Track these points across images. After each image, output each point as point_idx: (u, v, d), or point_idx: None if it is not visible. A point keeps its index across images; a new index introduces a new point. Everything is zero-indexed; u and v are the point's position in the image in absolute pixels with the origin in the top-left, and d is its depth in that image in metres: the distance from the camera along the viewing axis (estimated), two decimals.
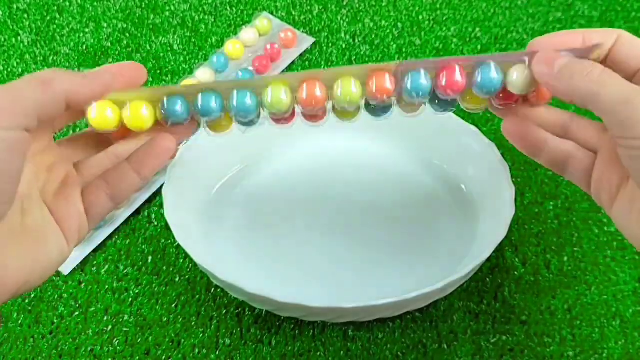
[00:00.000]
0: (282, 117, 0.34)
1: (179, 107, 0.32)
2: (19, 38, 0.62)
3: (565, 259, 0.46)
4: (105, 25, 0.63)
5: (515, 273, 0.46)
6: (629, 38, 0.31)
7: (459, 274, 0.38)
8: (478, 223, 0.45)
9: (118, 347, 0.42)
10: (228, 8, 0.65)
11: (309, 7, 0.64)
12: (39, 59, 0.60)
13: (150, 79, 0.58)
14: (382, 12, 0.64)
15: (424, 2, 0.65)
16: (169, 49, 0.61)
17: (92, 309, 0.44)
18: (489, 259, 0.45)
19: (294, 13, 0.64)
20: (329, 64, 0.60)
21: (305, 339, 0.43)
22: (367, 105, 0.34)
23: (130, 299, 0.45)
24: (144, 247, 0.47)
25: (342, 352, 0.42)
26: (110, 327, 0.43)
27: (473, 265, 0.38)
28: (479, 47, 0.61)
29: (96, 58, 0.60)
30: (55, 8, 0.64)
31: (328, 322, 0.43)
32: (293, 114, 0.35)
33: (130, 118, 0.32)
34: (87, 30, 0.62)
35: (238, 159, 0.50)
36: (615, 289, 0.45)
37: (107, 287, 0.45)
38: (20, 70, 0.59)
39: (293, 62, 0.60)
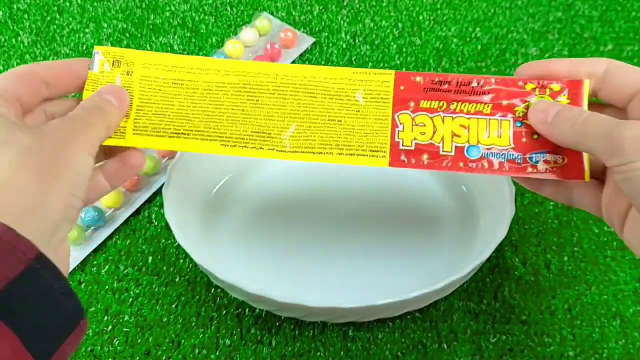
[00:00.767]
0: None
1: None
2: (19, 38, 0.62)
3: (565, 258, 0.46)
4: (105, 25, 0.63)
5: (515, 273, 0.46)
6: (619, 66, 0.33)
7: (459, 274, 0.38)
8: (478, 223, 0.45)
9: (118, 347, 0.42)
10: (228, 8, 0.65)
11: (309, 7, 0.64)
12: (39, 59, 0.60)
13: None
14: (382, 12, 0.64)
15: (424, 2, 0.65)
16: (169, 49, 0.61)
17: (92, 309, 0.44)
18: (489, 259, 0.45)
19: (294, 13, 0.64)
20: (329, 64, 0.60)
21: (305, 339, 0.43)
22: None
23: (131, 299, 0.45)
24: (144, 247, 0.47)
25: (342, 352, 0.42)
26: (110, 327, 0.43)
27: (473, 265, 0.38)
28: (479, 47, 0.61)
29: None
30: (55, 8, 0.64)
31: (328, 322, 0.43)
32: None
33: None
34: (87, 30, 0.62)
35: (238, 160, 0.49)
36: (616, 289, 0.45)
37: (107, 287, 0.45)
38: None
39: (293, 62, 0.60)
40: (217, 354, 0.42)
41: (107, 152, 0.36)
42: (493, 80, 0.35)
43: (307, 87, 0.36)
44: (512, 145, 0.34)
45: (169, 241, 0.48)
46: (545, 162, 0.34)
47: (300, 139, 0.35)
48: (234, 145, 0.35)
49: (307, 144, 0.35)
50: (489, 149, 0.34)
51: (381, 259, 0.45)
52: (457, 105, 0.35)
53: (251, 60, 0.39)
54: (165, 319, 0.44)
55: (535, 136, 0.34)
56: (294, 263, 0.45)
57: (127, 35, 0.62)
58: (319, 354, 0.42)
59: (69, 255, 0.30)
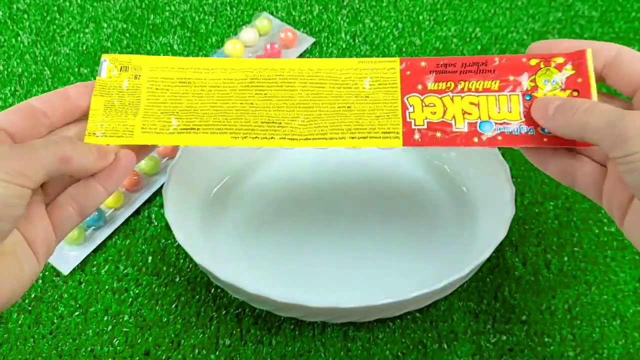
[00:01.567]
0: None
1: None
2: (19, 38, 0.62)
3: (565, 258, 0.46)
4: (105, 25, 0.63)
5: (515, 273, 0.46)
6: (630, 52, 0.33)
7: (459, 274, 0.38)
8: (478, 223, 0.45)
9: (118, 348, 0.42)
10: (228, 8, 0.65)
11: (309, 7, 0.64)
12: (39, 59, 0.60)
13: None
14: (382, 12, 0.64)
15: (424, 2, 0.65)
16: (169, 49, 0.61)
17: (92, 309, 0.44)
18: (489, 259, 0.45)
19: (294, 13, 0.64)
20: None
21: (305, 339, 0.43)
22: None
23: (130, 299, 0.45)
24: (144, 247, 0.47)
25: (342, 352, 0.42)
26: (110, 327, 0.43)
27: (473, 265, 0.38)
28: (479, 47, 0.61)
29: (96, 58, 0.60)
30: (55, 8, 0.64)
31: (328, 322, 0.43)
32: None
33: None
34: (87, 30, 0.62)
35: (238, 159, 0.50)
36: (616, 289, 0.45)
37: (107, 287, 0.45)
38: (20, 70, 0.59)
39: None
40: (217, 354, 0.42)
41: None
42: (497, 60, 0.35)
43: (314, 79, 0.36)
44: (523, 119, 0.34)
45: (169, 241, 0.48)
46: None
47: (311, 126, 0.35)
48: (245, 137, 0.35)
49: (319, 131, 0.35)
50: (501, 123, 0.35)
51: (381, 259, 0.45)
52: (465, 85, 0.35)
53: (256, 59, 0.39)
54: (165, 319, 0.44)
55: None
56: (294, 263, 0.45)
57: (127, 35, 0.62)
58: (319, 354, 0.42)
59: (14, 282, 0.29)
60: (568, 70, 0.34)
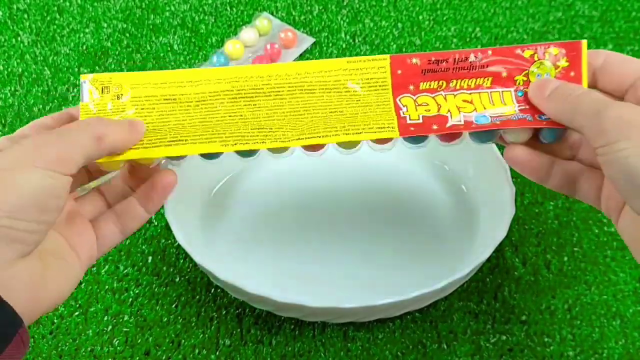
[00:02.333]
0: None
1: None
2: (19, 38, 0.62)
3: (565, 258, 0.46)
4: (106, 25, 0.63)
5: (515, 273, 0.46)
6: (617, 57, 0.33)
7: (459, 274, 0.38)
8: (478, 223, 0.45)
9: (118, 348, 0.42)
10: (228, 8, 0.65)
11: (309, 7, 0.64)
12: (39, 59, 0.60)
13: None
14: (382, 12, 0.64)
15: (424, 2, 0.65)
16: (169, 49, 0.61)
17: (92, 309, 0.44)
18: (489, 259, 0.45)
19: (294, 13, 0.64)
20: None
21: (305, 339, 0.43)
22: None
23: (130, 299, 0.45)
24: (144, 247, 0.47)
25: (342, 352, 0.42)
26: (110, 327, 0.43)
27: (473, 265, 0.38)
28: (479, 47, 0.61)
29: (96, 58, 0.60)
30: (55, 8, 0.64)
31: (328, 322, 0.43)
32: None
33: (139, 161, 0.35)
34: (87, 30, 0.62)
35: (239, 159, 0.49)
36: (615, 289, 0.45)
37: (107, 287, 0.45)
38: (20, 70, 0.59)
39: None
40: (217, 354, 0.42)
41: (140, 178, 0.36)
42: (490, 52, 0.35)
43: (302, 85, 0.35)
44: (518, 111, 0.34)
45: (169, 241, 0.48)
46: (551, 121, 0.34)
47: (302, 128, 0.34)
48: (235, 144, 0.34)
49: (312, 130, 0.34)
50: (497, 116, 0.34)
51: (381, 259, 0.45)
52: (457, 83, 0.35)
53: (242, 65, 0.38)
54: (165, 319, 0.44)
55: None
56: (293, 263, 0.45)
57: (127, 35, 0.62)
58: (319, 354, 0.42)
59: (32, 279, 0.29)
60: (562, 63, 0.34)
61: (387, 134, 0.34)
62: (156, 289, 0.45)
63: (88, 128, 0.31)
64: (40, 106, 0.56)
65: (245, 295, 0.39)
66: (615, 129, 0.28)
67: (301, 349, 0.42)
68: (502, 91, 0.35)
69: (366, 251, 0.45)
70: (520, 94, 0.34)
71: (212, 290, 0.45)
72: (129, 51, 0.61)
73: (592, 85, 0.34)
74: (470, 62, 0.35)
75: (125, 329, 0.43)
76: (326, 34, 0.62)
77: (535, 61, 0.34)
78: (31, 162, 0.28)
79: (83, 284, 0.45)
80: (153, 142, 0.34)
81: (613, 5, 0.64)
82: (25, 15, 0.64)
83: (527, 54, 0.34)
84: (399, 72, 0.35)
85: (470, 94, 0.35)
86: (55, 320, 0.44)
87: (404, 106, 0.35)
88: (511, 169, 0.45)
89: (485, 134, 0.34)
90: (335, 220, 0.47)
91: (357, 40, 0.62)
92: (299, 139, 0.34)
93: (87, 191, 0.37)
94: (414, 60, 0.35)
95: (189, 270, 0.46)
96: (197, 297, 0.45)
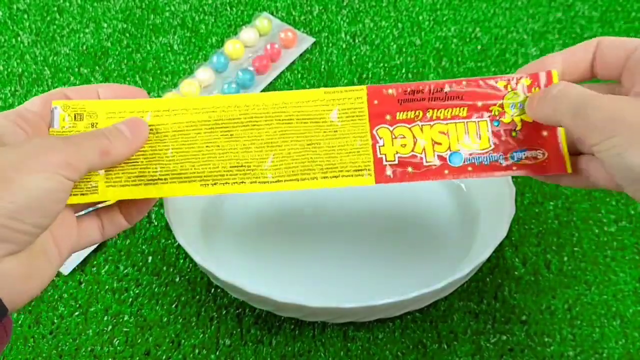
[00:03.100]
0: None
1: None
2: (19, 38, 0.62)
3: (565, 258, 0.46)
4: (105, 25, 0.63)
5: (515, 273, 0.46)
6: (609, 40, 0.33)
7: (459, 274, 0.38)
8: (478, 223, 0.45)
9: (118, 348, 0.42)
10: (228, 8, 0.65)
11: (309, 7, 0.64)
12: (39, 59, 0.60)
13: (151, 79, 0.58)
14: (382, 12, 0.64)
15: (424, 2, 0.65)
16: (169, 49, 0.61)
17: (92, 309, 0.44)
18: (489, 259, 0.45)
19: (294, 13, 0.64)
20: (329, 64, 0.59)
21: (305, 339, 0.43)
22: None
23: (131, 299, 0.45)
24: (144, 247, 0.47)
25: (342, 352, 0.42)
26: (110, 327, 0.43)
27: (473, 265, 0.38)
28: (479, 47, 0.61)
29: (96, 58, 0.60)
30: (55, 8, 0.64)
31: (328, 322, 0.43)
32: None
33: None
34: (87, 30, 0.62)
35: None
36: (616, 289, 0.45)
37: (107, 287, 0.45)
38: (20, 70, 0.59)
39: (293, 62, 0.60)
40: (217, 354, 0.42)
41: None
42: (464, 83, 0.35)
43: (280, 115, 0.35)
44: (492, 147, 0.35)
45: (169, 241, 0.48)
46: (527, 159, 0.35)
47: (281, 167, 0.35)
48: (215, 184, 0.34)
49: (290, 172, 0.34)
50: (470, 154, 0.35)
51: (381, 259, 0.45)
52: (433, 113, 0.35)
53: (217, 95, 0.38)
54: (165, 319, 0.44)
55: (514, 134, 0.35)
56: (293, 263, 0.45)
57: (127, 35, 0.62)
58: (319, 354, 0.42)
59: (18, 274, 0.29)
60: (535, 92, 0.34)
61: (363, 180, 0.35)
62: (156, 289, 0.45)
63: (97, 141, 0.31)
64: None
65: (245, 295, 0.39)
66: (601, 128, 0.28)
67: (301, 349, 0.42)
68: (479, 121, 0.35)
69: (366, 251, 0.45)
70: (496, 124, 0.35)
71: (212, 290, 0.45)
72: (129, 51, 0.61)
73: (593, 75, 0.34)
74: (446, 92, 0.35)
75: (125, 329, 0.43)
76: (326, 34, 0.62)
77: (508, 92, 0.35)
78: (40, 165, 0.28)
79: (83, 284, 0.45)
80: (132, 179, 0.34)
81: (613, 5, 0.64)
82: (25, 16, 0.64)
83: (500, 84, 0.35)
84: (376, 102, 0.35)
85: (447, 124, 0.35)
86: (55, 320, 0.44)
87: (380, 139, 0.35)
88: None
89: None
90: (335, 220, 0.47)
91: (357, 40, 0.62)
92: (277, 181, 0.34)
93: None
94: (390, 91, 0.35)
95: (189, 270, 0.46)
96: (197, 297, 0.45)
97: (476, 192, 0.47)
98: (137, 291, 0.45)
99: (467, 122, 0.35)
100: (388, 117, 0.35)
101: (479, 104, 0.35)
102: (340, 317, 0.41)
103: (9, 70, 0.59)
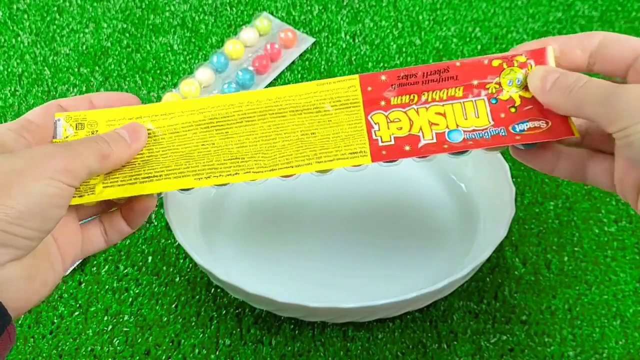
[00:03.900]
0: None
1: None
2: (19, 38, 0.62)
3: (566, 258, 0.46)
4: (105, 25, 0.63)
5: (516, 273, 0.46)
6: (615, 36, 0.33)
7: (459, 274, 0.38)
8: (478, 223, 0.45)
9: (118, 347, 0.42)
10: (228, 8, 0.65)
11: (309, 7, 0.64)
12: (39, 59, 0.60)
13: (151, 79, 0.58)
14: (382, 12, 0.64)
15: (424, 2, 0.65)
16: (169, 49, 0.61)
17: (92, 309, 0.44)
18: (489, 259, 0.45)
19: (294, 13, 0.64)
20: (329, 64, 0.59)
21: (305, 339, 0.43)
22: None
23: (130, 299, 0.45)
24: (144, 247, 0.47)
25: (342, 352, 0.42)
26: (110, 327, 0.43)
27: (473, 265, 0.38)
28: (479, 47, 0.61)
29: (96, 58, 0.60)
30: (55, 8, 0.64)
31: (328, 322, 0.43)
32: None
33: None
34: (87, 30, 0.62)
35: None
36: (616, 289, 0.45)
37: (107, 287, 0.45)
38: (20, 70, 0.59)
39: (293, 62, 0.60)
40: (217, 354, 0.42)
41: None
42: (458, 64, 0.35)
43: (273, 109, 0.35)
44: (492, 123, 0.34)
45: (169, 241, 0.48)
46: (530, 129, 0.34)
47: (275, 157, 0.34)
48: (208, 177, 0.34)
49: (284, 160, 0.34)
50: (470, 131, 0.34)
51: (381, 259, 0.45)
52: (428, 95, 0.35)
53: (213, 95, 0.38)
54: (165, 319, 0.44)
55: (512, 109, 0.34)
56: (293, 263, 0.45)
57: (127, 35, 0.62)
58: (319, 353, 0.42)
59: (22, 279, 0.29)
60: (530, 68, 0.34)
61: (359, 160, 0.34)
62: (156, 289, 0.45)
63: (95, 147, 0.32)
64: None
65: (245, 295, 0.39)
66: (630, 113, 0.28)
67: (301, 349, 0.42)
68: (476, 100, 0.34)
69: (366, 251, 0.45)
70: (494, 102, 0.34)
71: (212, 290, 0.45)
72: (128, 51, 0.61)
73: (590, 68, 0.34)
74: (440, 74, 0.35)
75: (125, 329, 0.43)
76: (326, 34, 0.62)
77: (504, 69, 0.34)
78: (40, 171, 0.28)
79: (83, 284, 0.45)
80: (127, 179, 0.34)
81: (613, 5, 0.64)
82: (25, 16, 0.64)
83: (495, 63, 0.34)
84: (369, 88, 0.35)
85: (443, 105, 0.34)
86: (55, 320, 0.44)
87: (375, 124, 0.35)
88: (511, 169, 0.45)
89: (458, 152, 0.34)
90: (335, 220, 0.47)
91: (357, 40, 0.62)
92: (272, 170, 0.34)
93: None
94: (383, 78, 0.35)
95: (188, 270, 0.46)
96: (197, 297, 0.45)
97: (476, 192, 0.47)
98: (137, 291, 0.45)
99: (463, 102, 0.34)
100: (383, 102, 0.35)
101: (475, 82, 0.34)
102: (340, 317, 0.41)
103: (9, 70, 0.59)
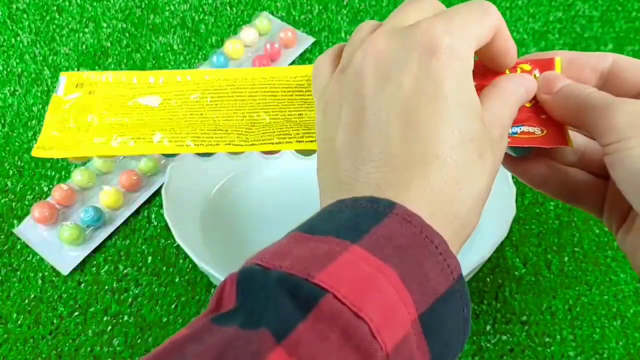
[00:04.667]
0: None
1: None
2: (19, 38, 0.62)
3: (566, 259, 0.46)
4: (105, 25, 0.63)
5: (516, 273, 0.46)
6: (627, 60, 0.32)
7: None
8: (478, 223, 0.45)
9: (118, 348, 0.42)
10: (228, 8, 0.64)
11: (309, 7, 0.64)
12: (38, 59, 0.60)
13: None
14: (382, 12, 0.64)
15: None
16: (168, 48, 0.61)
17: (92, 309, 0.44)
18: (489, 259, 0.45)
19: (294, 13, 0.64)
20: None
21: None
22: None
23: (130, 300, 0.45)
24: (143, 247, 0.47)
25: None
26: (110, 327, 0.43)
27: (473, 265, 0.38)
28: None
29: (96, 58, 0.60)
30: (55, 8, 0.64)
31: None
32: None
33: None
34: (86, 30, 0.62)
35: (239, 159, 0.49)
36: (616, 289, 0.45)
37: (106, 287, 0.45)
38: (19, 70, 0.59)
39: (293, 62, 0.60)
40: None
41: None
42: None
43: (265, 87, 0.36)
44: None
45: (169, 241, 0.48)
46: (523, 133, 0.33)
47: (258, 133, 0.34)
48: (188, 145, 0.34)
49: (266, 137, 0.34)
50: None
51: None
52: None
53: (215, 69, 0.38)
54: (165, 320, 0.44)
55: None
56: None
57: (127, 35, 0.62)
58: None
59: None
60: (535, 77, 0.33)
61: None
62: (156, 289, 0.45)
63: (523, 83, 0.32)
64: (40, 106, 0.56)
65: None
66: (627, 125, 0.27)
67: None
68: None
69: None
70: None
71: (212, 290, 0.45)
72: (128, 51, 0.61)
73: (600, 88, 0.33)
74: None
75: (125, 330, 0.43)
76: (326, 34, 0.62)
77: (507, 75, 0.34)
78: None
79: (83, 284, 0.45)
80: (109, 139, 0.34)
81: (613, 5, 0.64)
82: (25, 15, 0.64)
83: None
84: None
85: None
86: (55, 321, 0.44)
87: None
88: None
89: None
90: None
91: None
92: (252, 144, 0.34)
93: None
94: None
95: (188, 270, 0.46)
96: (197, 297, 0.45)
97: None
98: (136, 291, 0.45)
99: None
100: None
101: (475, 84, 0.34)
102: None
103: (9, 69, 0.59)
